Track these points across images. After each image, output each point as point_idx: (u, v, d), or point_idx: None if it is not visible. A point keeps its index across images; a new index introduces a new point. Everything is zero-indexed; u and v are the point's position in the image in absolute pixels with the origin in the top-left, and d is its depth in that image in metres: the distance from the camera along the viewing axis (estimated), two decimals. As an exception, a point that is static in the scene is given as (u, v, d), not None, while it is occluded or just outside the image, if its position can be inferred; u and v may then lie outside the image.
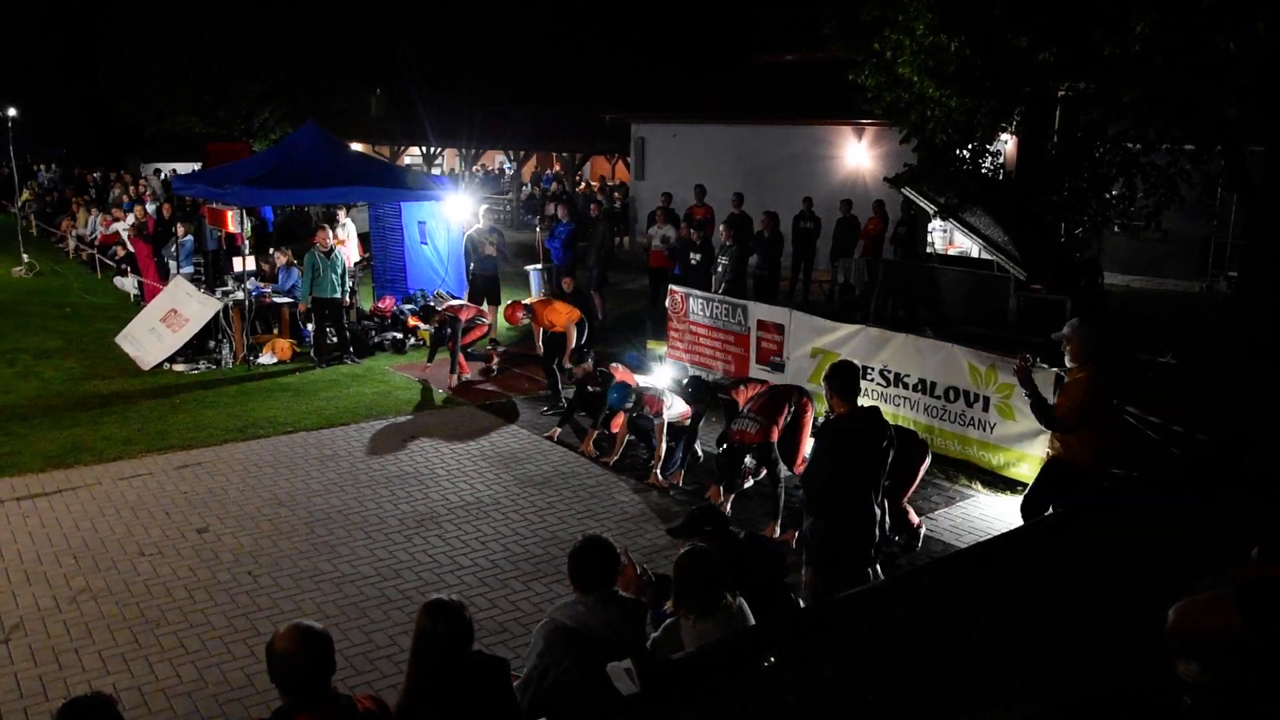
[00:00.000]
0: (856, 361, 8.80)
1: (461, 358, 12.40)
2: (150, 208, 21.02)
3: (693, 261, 14.80)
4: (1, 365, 13.12)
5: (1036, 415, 6.95)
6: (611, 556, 4.39)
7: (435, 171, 32.75)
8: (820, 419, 7.91)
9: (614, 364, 10.23)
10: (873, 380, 10.04)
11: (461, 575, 7.22)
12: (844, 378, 6.11)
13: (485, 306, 14.47)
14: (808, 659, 3.78)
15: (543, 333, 11.90)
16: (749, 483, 8.48)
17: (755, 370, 11.45)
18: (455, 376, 12.24)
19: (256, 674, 5.83)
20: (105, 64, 36.53)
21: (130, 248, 19.26)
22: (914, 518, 7.76)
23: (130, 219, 20.82)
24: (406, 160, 37.81)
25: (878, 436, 6.13)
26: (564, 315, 11.54)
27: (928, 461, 7.88)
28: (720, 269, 14.36)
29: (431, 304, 14.24)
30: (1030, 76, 11.71)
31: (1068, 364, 6.95)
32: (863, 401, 6.28)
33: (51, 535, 7.85)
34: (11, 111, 25.29)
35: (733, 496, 8.39)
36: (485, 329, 12.91)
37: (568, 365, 10.98)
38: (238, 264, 14.70)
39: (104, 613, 6.65)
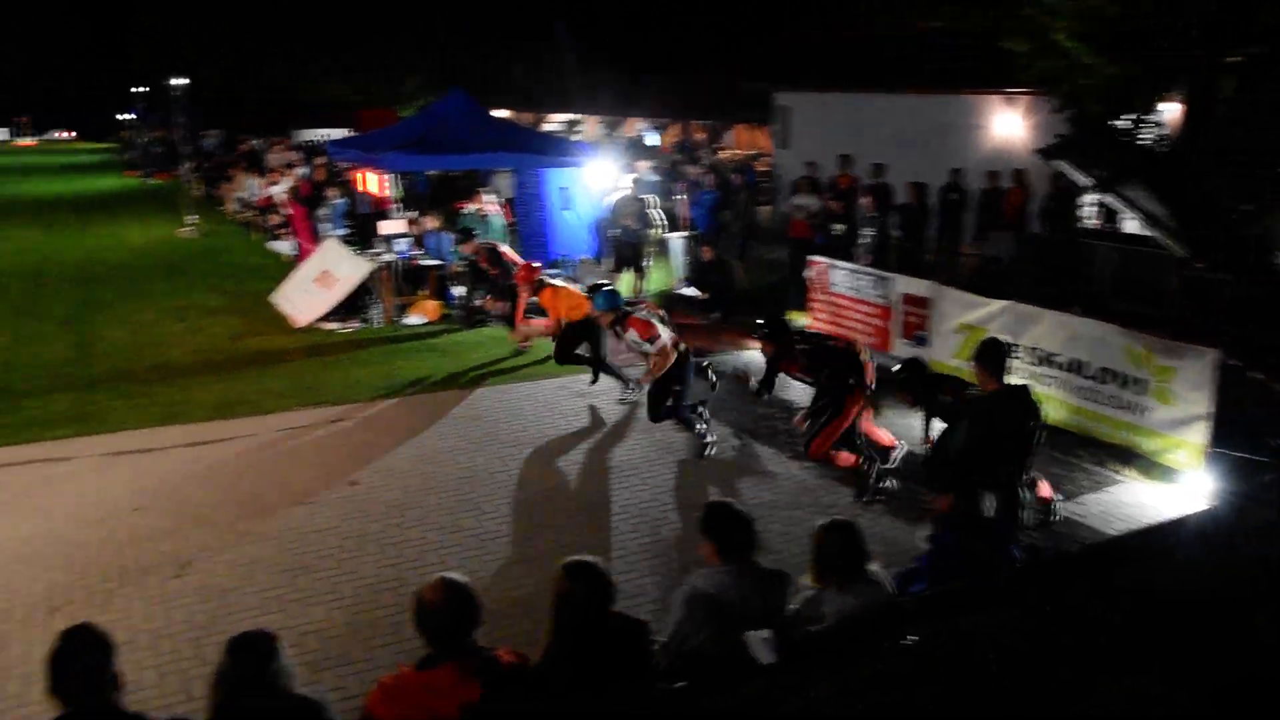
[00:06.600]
0: (1005, 338, 8.58)
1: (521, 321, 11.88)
2: (302, 172, 21.82)
3: (834, 232, 14.57)
4: (171, 321, 13.91)
5: None
6: (751, 527, 4.41)
7: (576, 138, 33.01)
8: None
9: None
10: (1021, 358, 9.74)
11: (600, 537, 7.33)
12: (993, 355, 5.99)
13: (628, 274, 14.60)
14: (951, 637, 3.74)
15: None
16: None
17: (898, 346, 11.25)
18: (520, 338, 12.02)
19: (402, 623, 6.01)
20: (265, 32, 38.08)
21: (286, 210, 20.05)
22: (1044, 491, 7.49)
23: (286, 183, 21.65)
24: (548, 127, 38.22)
25: (1026, 415, 5.98)
26: (565, 308, 10.54)
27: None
28: (865, 240, 14.12)
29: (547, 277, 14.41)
30: (1198, 41, 11.10)
31: None
32: (1010, 380, 6.14)
33: (216, 481, 8.31)
34: (183, 81, 26.52)
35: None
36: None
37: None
38: (386, 227, 15.15)
39: (263, 555, 7.01)
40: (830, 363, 8.07)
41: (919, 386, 7.78)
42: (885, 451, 8.29)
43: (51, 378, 11.24)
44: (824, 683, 3.43)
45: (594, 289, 9.72)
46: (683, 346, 9.12)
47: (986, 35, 14.08)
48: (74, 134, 74.04)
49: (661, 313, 9.84)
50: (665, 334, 9.04)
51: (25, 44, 70.74)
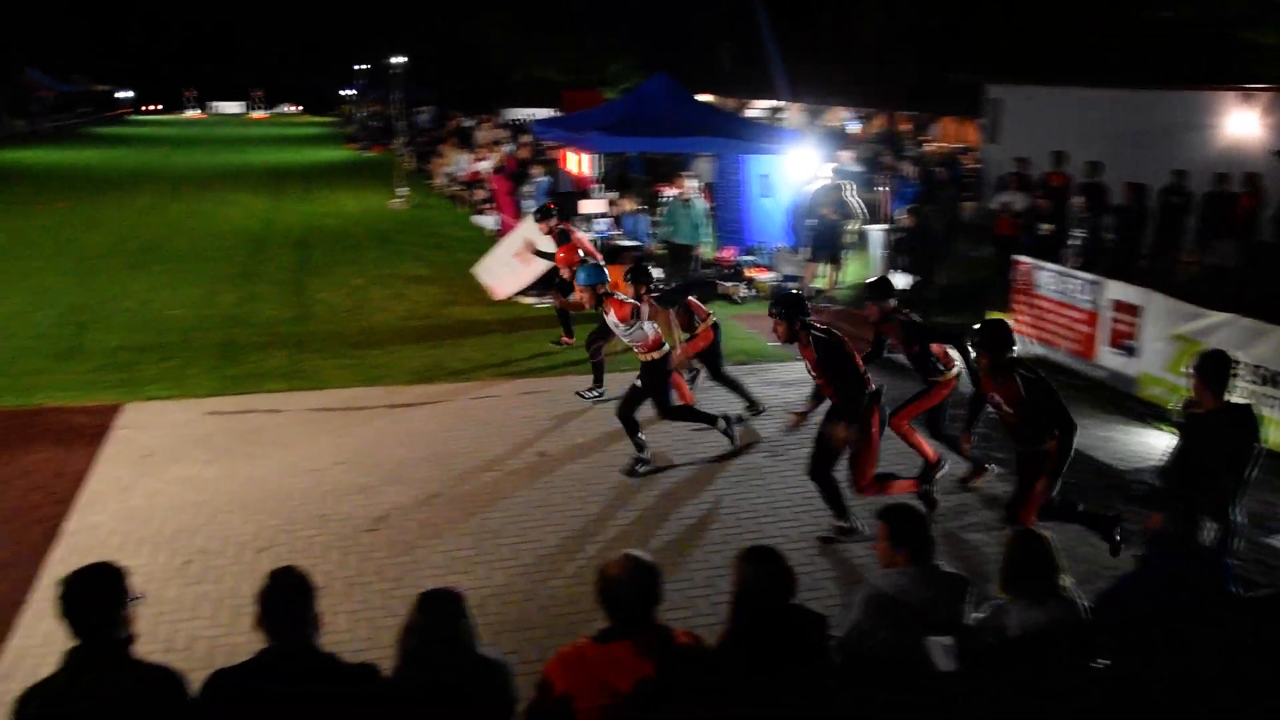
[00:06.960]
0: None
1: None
2: (509, 149, 22.48)
3: (1042, 232, 13.93)
4: (379, 288, 14.63)
5: None
6: (930, 529, 4.30)
7: (780, 126, 32.80)
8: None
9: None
10: (1242, 376, 9.05)
11: (782, 527, 7.27)
12: (1216, 369, 5.61)
13: (825, 264, 14.40)
14: (1145, 666, 3.54)
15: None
16: None
17: (1105, 354, 10.67)
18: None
19: (581, 594, 6.12)
20: (480, 12, 39.43)
21: (491, 186, 20.73)
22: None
23: (493, 159, 22.38)
24: (751, 113, 38.08)
25: (1247, 437, 5.59)
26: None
27: None
28: (1075, 242, 13.46)
29: (739, 266, 14.36)
30: None
31: None
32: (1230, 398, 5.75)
33: (413, 441, 8.70)
34: (401, 59, 27.76)
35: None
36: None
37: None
38: (586, 206, 15.44)
39: (452, 517, 7.29)
40: (841, 375, 7.11)
41: (999, 349, 6.83)
42: (931, 467, 7.81)
43: (270, 335, 12.03)
44: (1007, 699, 3.30)
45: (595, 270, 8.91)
46: (665, 346, 8.36)
47: (1222, 26, 13.14)
48: (300, 108, 78.80)
49: (708, 312, 9.20)
50: (649, 327, 8.26)
51: (260, 25, 75.81)
